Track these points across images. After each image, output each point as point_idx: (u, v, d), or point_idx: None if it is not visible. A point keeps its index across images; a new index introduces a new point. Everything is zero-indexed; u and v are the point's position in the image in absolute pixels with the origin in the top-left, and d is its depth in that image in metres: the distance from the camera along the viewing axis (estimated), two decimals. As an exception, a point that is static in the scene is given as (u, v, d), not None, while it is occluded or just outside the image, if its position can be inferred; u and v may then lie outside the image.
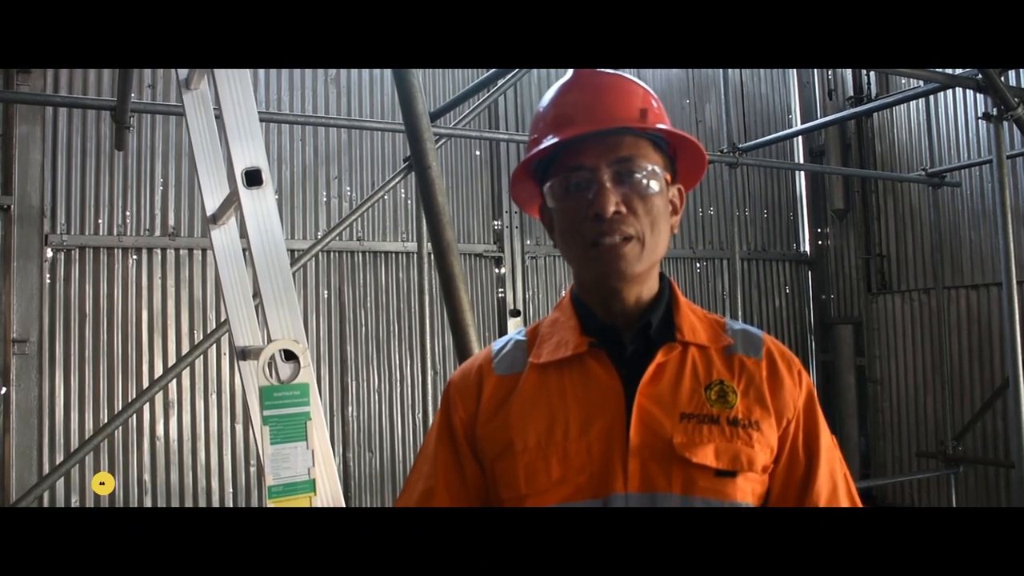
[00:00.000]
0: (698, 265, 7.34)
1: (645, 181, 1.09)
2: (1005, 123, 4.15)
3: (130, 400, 4.52)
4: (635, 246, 1.08)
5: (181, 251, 5.31)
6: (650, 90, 1.17)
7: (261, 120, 1.43)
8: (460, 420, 1.15)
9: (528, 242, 6.55)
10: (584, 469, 1.04)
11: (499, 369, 1.17)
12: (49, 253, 4.94)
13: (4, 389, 4.70)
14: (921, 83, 5.44)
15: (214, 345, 4.24)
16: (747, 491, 1.04)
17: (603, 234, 1.06)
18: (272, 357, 1.23)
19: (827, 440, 1.11)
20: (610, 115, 1.10)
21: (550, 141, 1.11)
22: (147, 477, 5.06)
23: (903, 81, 7.02)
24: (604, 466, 1.04)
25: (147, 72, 5.26)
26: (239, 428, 5.35)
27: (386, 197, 5.63)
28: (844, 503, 1.09)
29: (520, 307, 6.44)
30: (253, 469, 5.37)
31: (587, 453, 1.05)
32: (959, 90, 6.46)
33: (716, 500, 1.02)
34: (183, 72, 1.68)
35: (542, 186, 1.17)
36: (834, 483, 1.09)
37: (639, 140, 1.10)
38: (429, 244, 2.58)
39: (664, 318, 1.13)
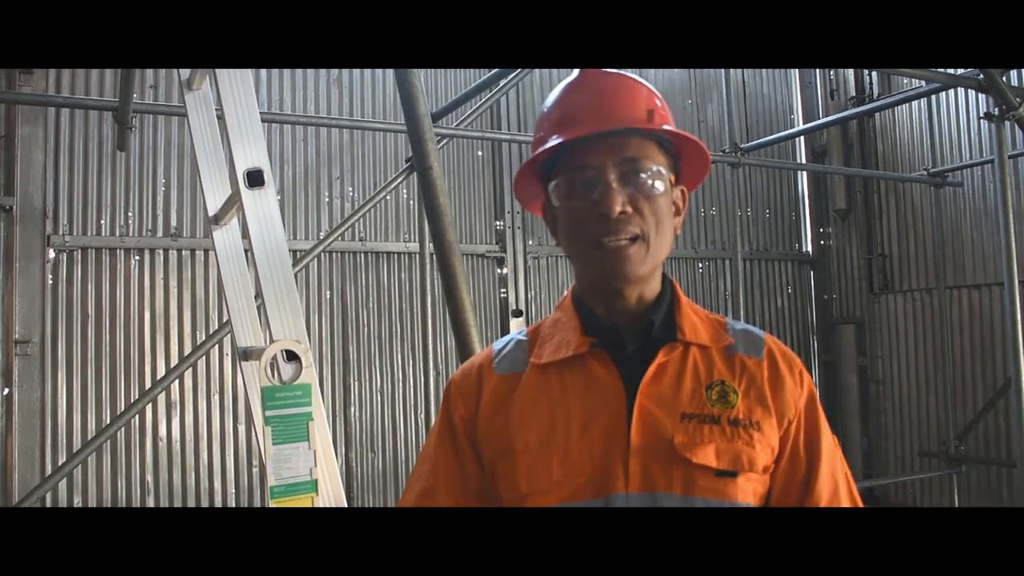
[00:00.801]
0: (700, 265, 7.34)
1: (651, 182, 1.09)
2: (1007, 123, 4.16)
3: (132, 401, 4.53)
4: (640, 247, 1.08)
5: (183, 252, 5.31)
6: (654, 90, 1.17)
7: (263, 120, 1.43)
8: (460, 419, 1.15)
9: (530, 242, 6.54)
10: (585, 469, 1.04)
11: (500, 369, 1.17)
12: (51, 254, 4.95)
13: (7, 390, 4.71)
14: (923, 83, 5.43)
15: (216, 346, 4.24)
16: (748, 491, 1.04)
17: (608, 234, 1.06)
18: (274, 357, 1.23)
19: (828, 440, 1.11)
20: (617, 116, 1.10)
21: (556, 140, 1.10)
22: (149, 478, 5.06)
23: (905, 81, 7.01)
24: (605, 466, 1.04)
25: (149, 72, 5.26)
26: (241, 428, 5.36)
27: (388, 197, 5.63)
28: (845, 503, 1.09)
29: (522, 307, 6.44)
30: (255, 469, 5.37)
31: (588, 453, 1.05)
32: (961, 90, 6.45)
33: (717, 500, 1.02)
34: (185, 72, 1.68)
35: (545, 185, 1.17)
36: (835, 483, 1.09)
37: (645, 141, 1.10)
38: (431, 244, 2.58)
39: (665, 318, 1.13)
